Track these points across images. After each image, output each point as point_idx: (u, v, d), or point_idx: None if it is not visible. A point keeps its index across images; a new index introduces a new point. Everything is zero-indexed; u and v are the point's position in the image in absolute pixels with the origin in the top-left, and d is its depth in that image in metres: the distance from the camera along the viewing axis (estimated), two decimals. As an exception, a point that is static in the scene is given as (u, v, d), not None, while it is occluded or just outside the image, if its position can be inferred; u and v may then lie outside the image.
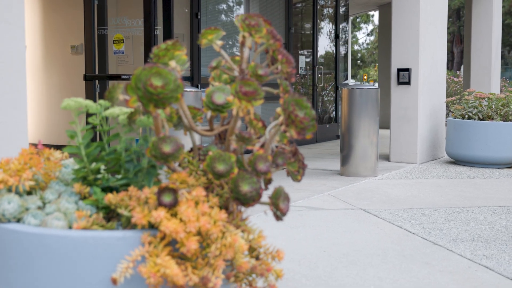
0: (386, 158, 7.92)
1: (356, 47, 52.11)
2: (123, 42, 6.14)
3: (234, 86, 1.83)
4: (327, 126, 10.87)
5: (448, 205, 4.92)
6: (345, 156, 6.40)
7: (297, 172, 2.14)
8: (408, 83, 7.49)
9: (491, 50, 10.36)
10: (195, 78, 7.72)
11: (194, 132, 2.07)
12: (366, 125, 6.31)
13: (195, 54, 7.71)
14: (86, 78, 6.16)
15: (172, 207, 1.73)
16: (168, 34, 5.98)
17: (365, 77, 50.41)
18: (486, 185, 5.98)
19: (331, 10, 11.33)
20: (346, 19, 12.06)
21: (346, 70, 12.57)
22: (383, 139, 9.96)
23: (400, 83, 7.55)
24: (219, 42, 2.12)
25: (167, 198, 1.73)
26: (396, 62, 7.60)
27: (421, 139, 7.58)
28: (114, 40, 6.15)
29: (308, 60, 10.42)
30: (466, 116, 7.43)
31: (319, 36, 10.72)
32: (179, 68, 2.08)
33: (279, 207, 1.85)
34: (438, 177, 6.44)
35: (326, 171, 6.77)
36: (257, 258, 1.95)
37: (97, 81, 6.19)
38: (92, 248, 1.68)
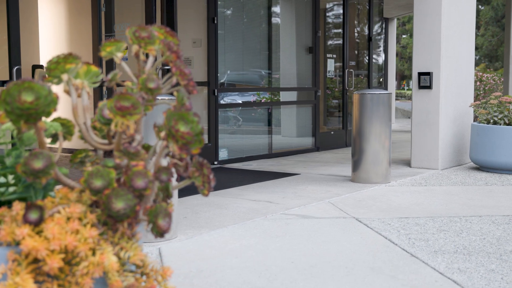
0: (409, 163, 7.72)
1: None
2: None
3: (110, 101, 1.79)
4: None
5: (448, 214, 4.74)
6: (356, 161, 6.27)
7: (203, 186, 2.08)
8: (429, 87, 7.28)
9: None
10: (211, 83, 7.71)
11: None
12: (377, 130, 6.16)
13: (211, 59, 7.70)
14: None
15: (37, 224, 1.70)
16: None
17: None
18: (501, 192, 5.75)
19: (363, 12, 11.14)
20: (381, 21, 11.85)
21: (382, 72, 12.34)
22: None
23: (421, 87, 7.35)
24: (119, 54, 2.09)
25: (32, 215, 1.70)
26: (418, 66, 7.40)
27: (443, 144, 7.36)
28: (120, 47, 6.20)
29: (338, 63, 10.28)
30: (492, 121, 7.17)
31: (349, 39, 10.55)
32: (86, 82, 2.05)
33: (157, 224, 1.80)
34: (453, 184, 6.23)
35: (339, 177, 6.65)
36: (145, 275, 1.91)
37: (103, 88, 6.25)
38: (-44, 265, 1.66)
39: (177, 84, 2.01)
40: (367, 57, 11.03)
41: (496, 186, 6.15)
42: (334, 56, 10.24)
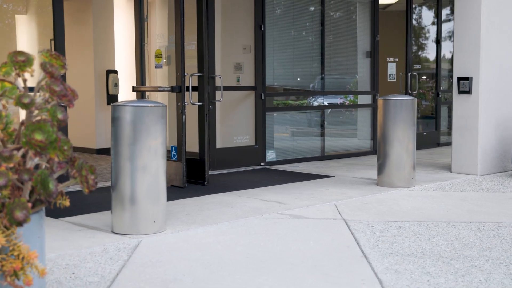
0: (450, 168, 7.72)
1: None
2: (161, 57, 6.67)
3: (-22, 115, 2.22)
4: (424, 133, 10.67)
5: (440, 219, 4.85)
6: (380, 165, 6.42)
7: (83, 185, 2.47)
8: (468, 92, 7.27)
9: None
10: (258, 87, 8.08)
11: None
12: (400, 135, 6.29)
13: (258, 64, 8.07)
14: (133, 89, 6.80)
15: None
16: (201, 48, 6.41)
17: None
18: (518, 200, 5.73)
19: (430, 14, 11.09)
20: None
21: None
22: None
23: (460, 92, 7.35)
24: (14, 74, 2.51)
25: None
26: (457, 71, 7.40)
27: (483, 150, 7.31)
28: (155, 55, 6.71)
29: (400, 67, 10.33)
30: (534, 126, 7.07)
31: (413, 42, 10.56)
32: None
33: (13, 215, 2.21)
34: (477, 190, 6.24)
35: (368, 180, 6.82)
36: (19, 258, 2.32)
37: (147, 93, 6.80)
38: None
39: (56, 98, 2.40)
40: (435, 60, 10.95)
41: (523, 193, 6.11)
42: (396, 59, 10.29)
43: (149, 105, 4.23)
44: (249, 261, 3.68)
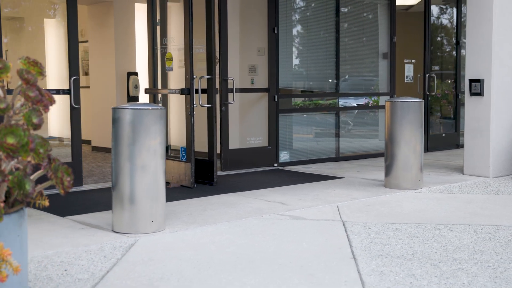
0: (462, 170, 7.69)
1: None
2: (172, 60, 6.79)
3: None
4: (443, 135, 10.62)
5: (439, 222, 4.87)
6: (388, 167, 6.45)
7: (58, 186, 2.58)
8: (480, 94, 7.24)
9: None
10: (271, 89, 8.15)
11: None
12: (407, 136, 6.30)
13: (271, 67, 8.14)
14: (146, 92, 6.94)
15: None
16: (210, 51, 6.52)
17: None
18: (524, 203, 5.71)
19: (449, 15, 11.03)
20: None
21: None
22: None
23: (472, 94, 7.32)
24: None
25: None
26: (470, 72, 7.37)
27: (495, 152, 7.27)
28: (166, 58, 6.82)
29: (418, 68, 10.29)
30: (548, 128, 7.00)
31: (432, 43, 10.51)
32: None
33: (-14, 214, 2.32)
34: (485, 193, 6.22)
35: (376, 182, 6.84)
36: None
37: (159, 95, 6.93)
38: None
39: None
40: (454, 61, 10.89)
41: (531, 196, 6.07)
42: (414, 61, 10.26)
43: (148, 107, 4.34)
44: (238, 261, 3.76)
